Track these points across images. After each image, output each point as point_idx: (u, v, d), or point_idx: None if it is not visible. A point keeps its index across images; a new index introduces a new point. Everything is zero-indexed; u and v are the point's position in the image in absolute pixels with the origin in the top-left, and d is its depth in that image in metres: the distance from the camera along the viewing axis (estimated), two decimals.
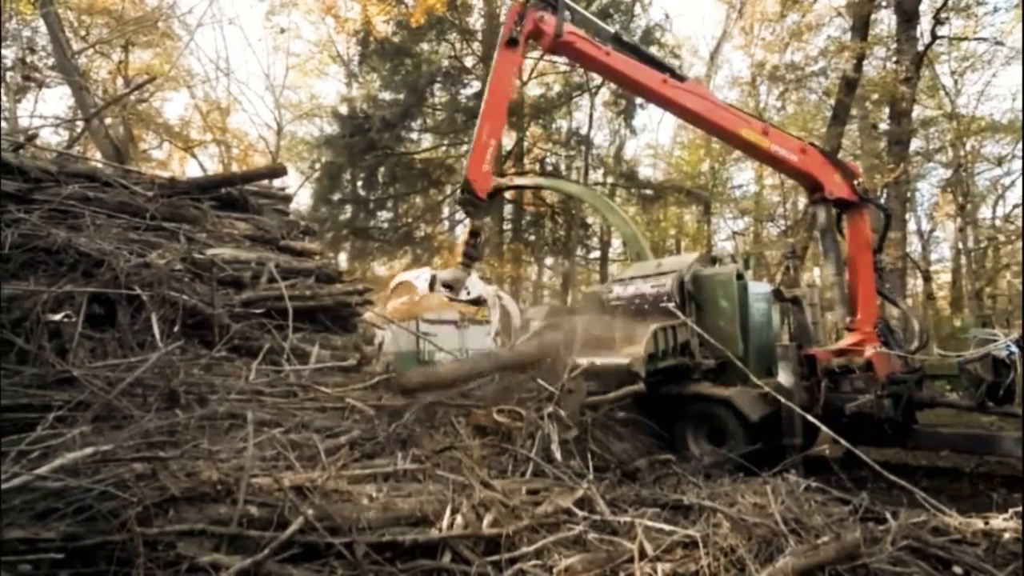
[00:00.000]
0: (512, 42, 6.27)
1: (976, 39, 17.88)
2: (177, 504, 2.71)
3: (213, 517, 2.71)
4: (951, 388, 7.78)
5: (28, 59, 15.35)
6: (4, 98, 16.38)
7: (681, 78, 7.11)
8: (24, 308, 4.03)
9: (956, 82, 20.67)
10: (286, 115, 25.58)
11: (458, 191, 6.06)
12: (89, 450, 2.79)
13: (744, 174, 25.00)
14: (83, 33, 17.13)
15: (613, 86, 19.29)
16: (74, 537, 2.43)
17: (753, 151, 7.70)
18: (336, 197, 18.52)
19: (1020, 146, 18.37)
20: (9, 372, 3.68)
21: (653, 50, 18.72)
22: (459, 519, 3.14)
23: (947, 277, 24.64)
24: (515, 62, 6.63)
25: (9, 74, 15.98)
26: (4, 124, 15.46)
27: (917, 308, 21.01)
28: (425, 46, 18.10)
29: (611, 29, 7.32)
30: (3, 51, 15.54)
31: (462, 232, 7.61)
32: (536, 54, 18.20)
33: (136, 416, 3.47)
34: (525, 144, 20.92)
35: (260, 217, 6.99)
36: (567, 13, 6.66)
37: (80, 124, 13.81)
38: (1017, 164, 19.73)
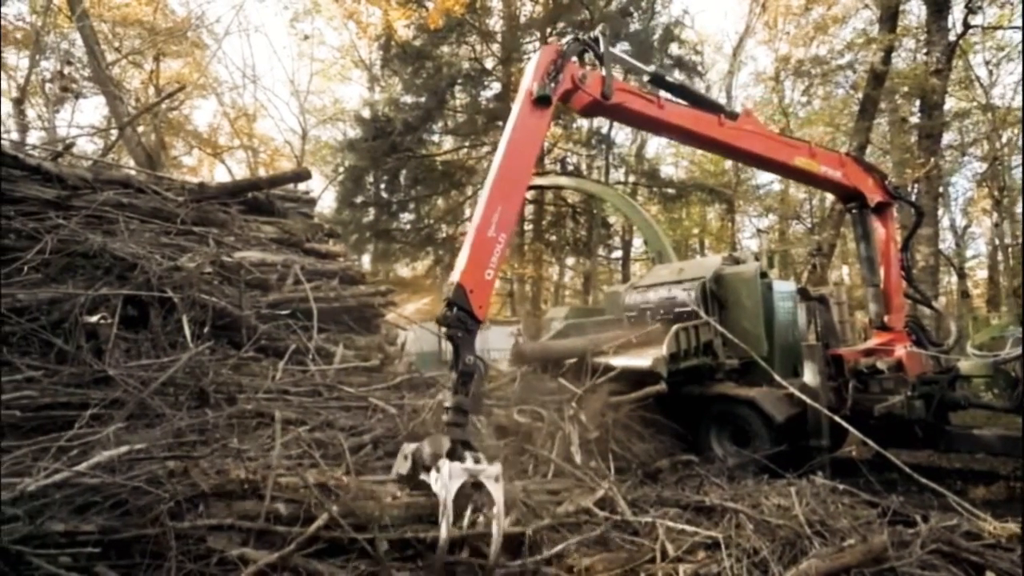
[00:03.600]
0: (542, 100, 4.47)
1: (1011, 28, 17.26)
2: (207, 500, 2.80)
3: (241, 512, 2.79)
4: (986, 389, 7.54)
5: (66, 71, 15.94)
6: (44, 109, 17.03)
7: (733, 116, 6.18)
8: (63, 310, 4.20)
9: (991, 73, 20.00)
10: (311, 120, 26.09)
11: (442, 308, 3.79)
12: (124, 448, 2.91)
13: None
14: (116, 44, 17.71)
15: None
16: (110, 530, 2.53)
17: (800, 176, 7.11)
18: (359, 200, 18.75)
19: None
20: (49, 372, 3.84)
21: (673, 47, 18.61)
22: (480, 517, 3.17)
23: (984, 274, 23.86)
24: (542, 126, 4.66)
25: (48, 85, 16.61)
26: (43, 134, 16.07)
27: (951, 306, 20.39)
28: (445, 49, 18.22)
29: (648, 68, 5.93)
30: (43, 63, 16.21)
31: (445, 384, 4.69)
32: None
33: (168, 415, 3.60)
34: (545, 144, 20.91)
35: (286, 220, 7.14)
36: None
37: (114, 133, 14.27)
38: None
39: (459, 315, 3.73)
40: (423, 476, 3.21)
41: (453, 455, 3.22)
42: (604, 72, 4.91)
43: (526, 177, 4.69)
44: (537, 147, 4.84)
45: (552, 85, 4.49)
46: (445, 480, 2.99)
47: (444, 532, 2.81)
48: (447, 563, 2.87)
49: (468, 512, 3.18)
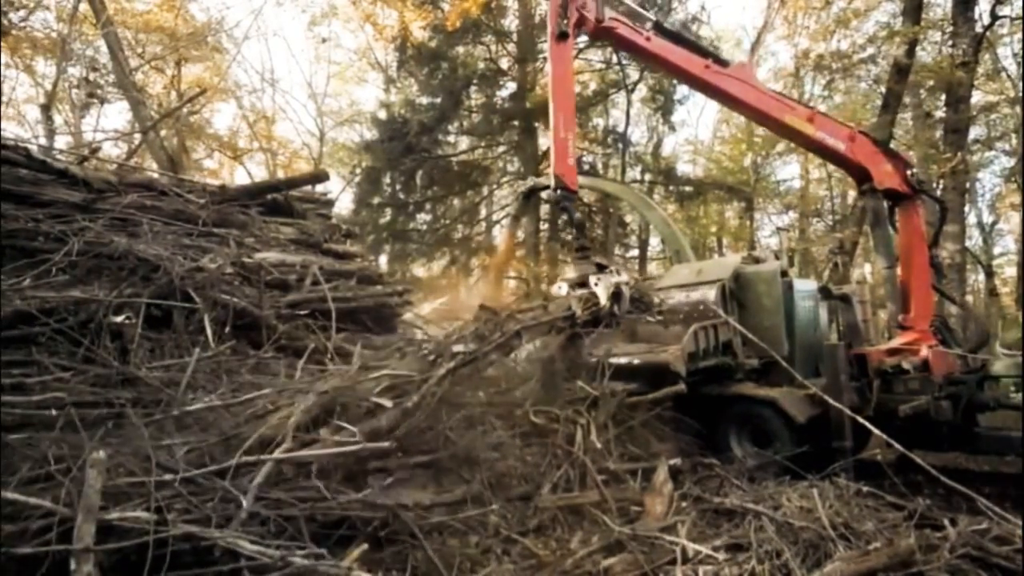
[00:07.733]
0: (562, 35, 6.18)
1: None
2: None
3: None
4: (1016, 389, 7.34)
5: (91, 77, 16.31)
6: (70, 114, 17.44)
7: (724, 63, 7.04)
8: (89, 311, 4.28)
9: (1020, 65, 19.41)
10: (328, 122, 26.30)
11: (550, 191, 6.04)
12: None
13: (789, 168, 24.21)
14: (140, 50, 18.06)
15: (651, 82, 19.03)
16: None
17: (798, 139, 7.53)
18: (376, 201, 18.85)
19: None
20: (76, 371, 3.93)
21: None
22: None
23: (1012, 272, 23.22)
24: (568, 54, 6.62)
25: (74, 91, 17.02)
26: (70, 138, 16.46)
27: (979, 305, 19.90)
28: (461, 49, 18.23)
29: (652, 17, 7.39)
30: (69, 70, 16.61)
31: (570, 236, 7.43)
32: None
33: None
34: None
35: (304, 221, 7.21)
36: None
37: (138, 137, 14.56)
38: None
39: (562, 193, 6.14)
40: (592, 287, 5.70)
41: (602, 271, 5.74)
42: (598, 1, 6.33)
43: (570, 92, 6.74)
44: (570, 70, 6.87)
45: (564, 21, 6.11)
46: (605, 285, 5.59)
47: (603, 301, 5.57)
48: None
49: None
